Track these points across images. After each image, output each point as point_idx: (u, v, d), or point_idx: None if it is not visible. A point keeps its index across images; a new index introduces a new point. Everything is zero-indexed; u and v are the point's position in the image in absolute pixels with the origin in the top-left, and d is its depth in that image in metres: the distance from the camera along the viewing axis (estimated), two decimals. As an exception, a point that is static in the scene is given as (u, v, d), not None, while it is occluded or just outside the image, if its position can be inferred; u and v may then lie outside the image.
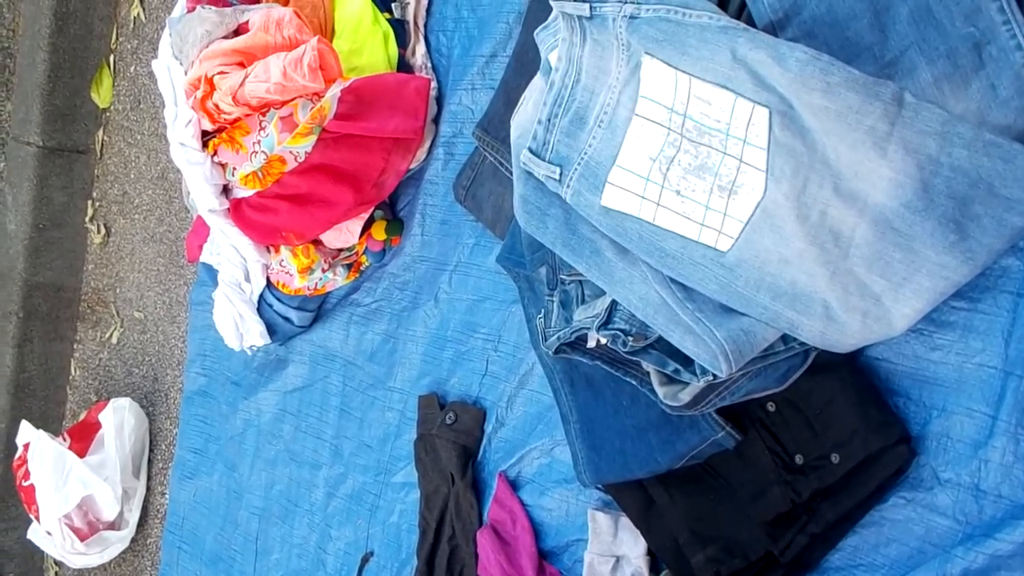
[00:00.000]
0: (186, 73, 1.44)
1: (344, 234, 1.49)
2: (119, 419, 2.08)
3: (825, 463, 0.98)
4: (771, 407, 1.02)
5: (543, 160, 0.95)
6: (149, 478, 2.15)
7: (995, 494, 0.92)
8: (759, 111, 0.84)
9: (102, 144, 2.33)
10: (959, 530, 0.94)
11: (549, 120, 0.95)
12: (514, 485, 1.35)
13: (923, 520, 0.97)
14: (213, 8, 1.42)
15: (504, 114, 1.26)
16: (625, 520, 1.19)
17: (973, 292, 0.93)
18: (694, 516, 1.08)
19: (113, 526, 2.08)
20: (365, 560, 1.57)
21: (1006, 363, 0.92)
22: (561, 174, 0.95)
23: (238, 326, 1.63)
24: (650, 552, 1.18)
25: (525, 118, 0.99)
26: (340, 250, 1.54)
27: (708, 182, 0.89)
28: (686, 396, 0.96)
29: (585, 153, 0.94)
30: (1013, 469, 0.91)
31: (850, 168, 0.82)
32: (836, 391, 0.97)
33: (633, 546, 1.18)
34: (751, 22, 0.91)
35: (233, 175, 1.43)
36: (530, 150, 0.96)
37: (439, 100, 1.45)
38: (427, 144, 1.45)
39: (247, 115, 1.39)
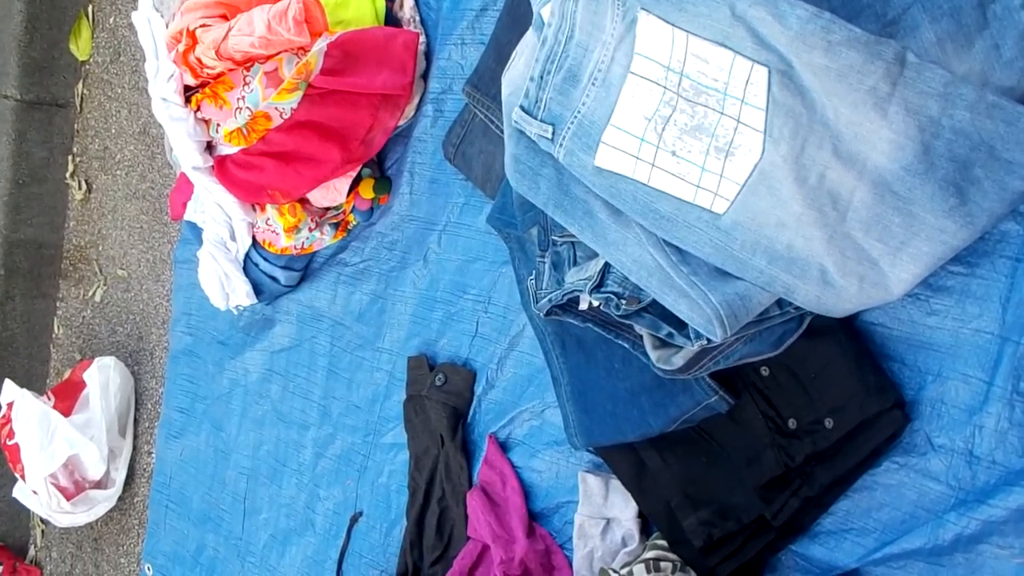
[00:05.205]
0: (167, 26, 1.40)
1: (331, 192, 1.47)
2: (104, 378, 2.06)
3: (819, 427, 0.98)
4: (765, 371, 1.02)
5: (535, 118, 0.93)
6: (135, 437, 2.14)
7: (989, 460, 0.92)
8: (758, 70, 0.82)
9: (82, 97, 2.28)
10: (952, 495, 0.94)
11: (541, 77, 0.92)
12: (504, 447, 1.34)
13: (916, 485, 0.97)
14: (194, -42, 1.38)
15: (495, 70, 1.23)
16: (616, 482, 1.19)
17: (971, 257, 0.92)
18: (687, 479, 1.08)
19: (99, 485, 2.08)
20: (354, 520, 1.57)
21: (1003, 328, 0.91)
22: (554, 133, 0.92)
23: (224, 285, 1.61)
24: (641, 514, 1.18)
25: (517, 75, 0.97)
26: (327, 209, 1.52)
27: (704, 143, 0.87)
28: (679, 360, 0.95)
29: (579, 112, 0.91)
30: (1008, 435, 0.91)
31: (850, 129, 0.81)
32: (832, 356, 0.97)
33: (624, 508, 1.18)
34: (751, -23, 0.88)
35: (217, 131, 1.40)
36: (522, 108, 0.94)
37: (428, 55, 1.42)
38: (416, 100, 1.42)
39: (231, 70, 1.36)
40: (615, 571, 1.11)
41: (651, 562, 1.10)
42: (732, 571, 1.07)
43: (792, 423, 1.00)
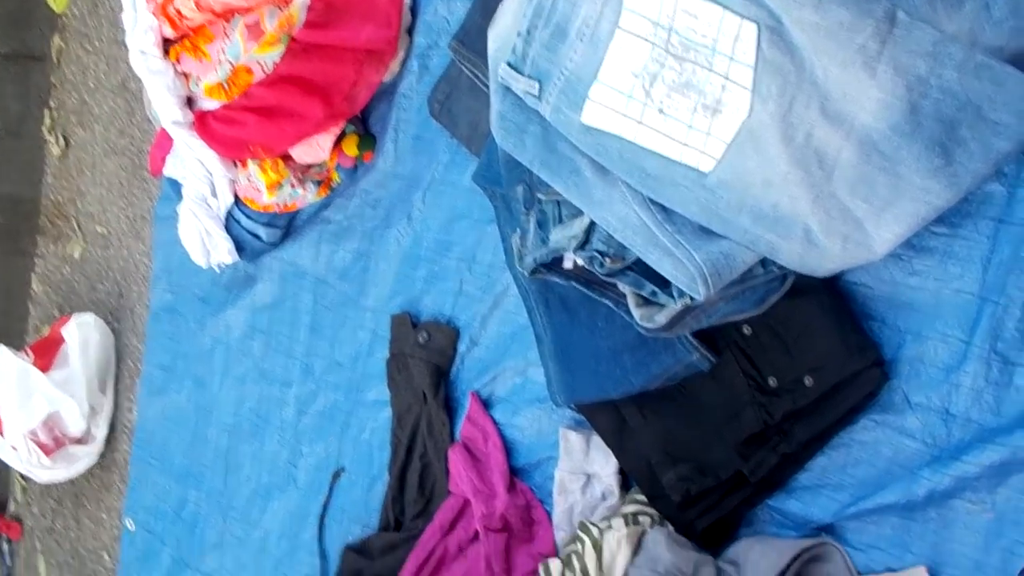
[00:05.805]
0: (146, -25, 1.37)
1: (314, 149, 1.45)
2: (83, 335, 2.05)
3: (798, 386, 0.99)
4: (747, 330, 1.02)
5: (522, 75, 0.92)
6: (116, 394, 2.13)
7: (964, 418, 0.94)
8: (747, 26, 0.82)
9: (58, 51, 2.24)
10: (927, 452, 0.96)
11: (529, 32, 0.91)
12: (486, 404, 1.35)
13: (892, 442, 0.98)
14: (174, -94, 1.35)
15: (482, 26, 1.21)
16: (597, 439, 1.20)
17: (954, 217, 0.93)
18: (667, 436, 1.09)
19: (80, 441, 2.08)
20: (336, 476, 1.57)
21: (983, 289, 0.92)
22: (540, 89, 0.92)
23: (205, 243, 1.59)
24: (620, 470, 1.19)
25: (503, 30, 0.96)
26: (310, 166, 1.51)
27: (692, 100, 0.86)
28: (662, 318, 0.95)
29: (566, 68, 0.91)
30: (983, 393, 0.92)
31: (838, 88, 0.80)
32: (814, 315, 0.97)
33: (604, 464, 1.20)
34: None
35: (197, 85, 1.37)
36: (508, 64, 0.93)
37: (414, 9, 1.40)
38: (401, 56, 1.41)
39: (211, 22, 1.33)
40: (594, 525, 1.13)
41: (630, 516, 1.12)
42: (709, 525, 1.08)
43: (772, 381, 1.01)
